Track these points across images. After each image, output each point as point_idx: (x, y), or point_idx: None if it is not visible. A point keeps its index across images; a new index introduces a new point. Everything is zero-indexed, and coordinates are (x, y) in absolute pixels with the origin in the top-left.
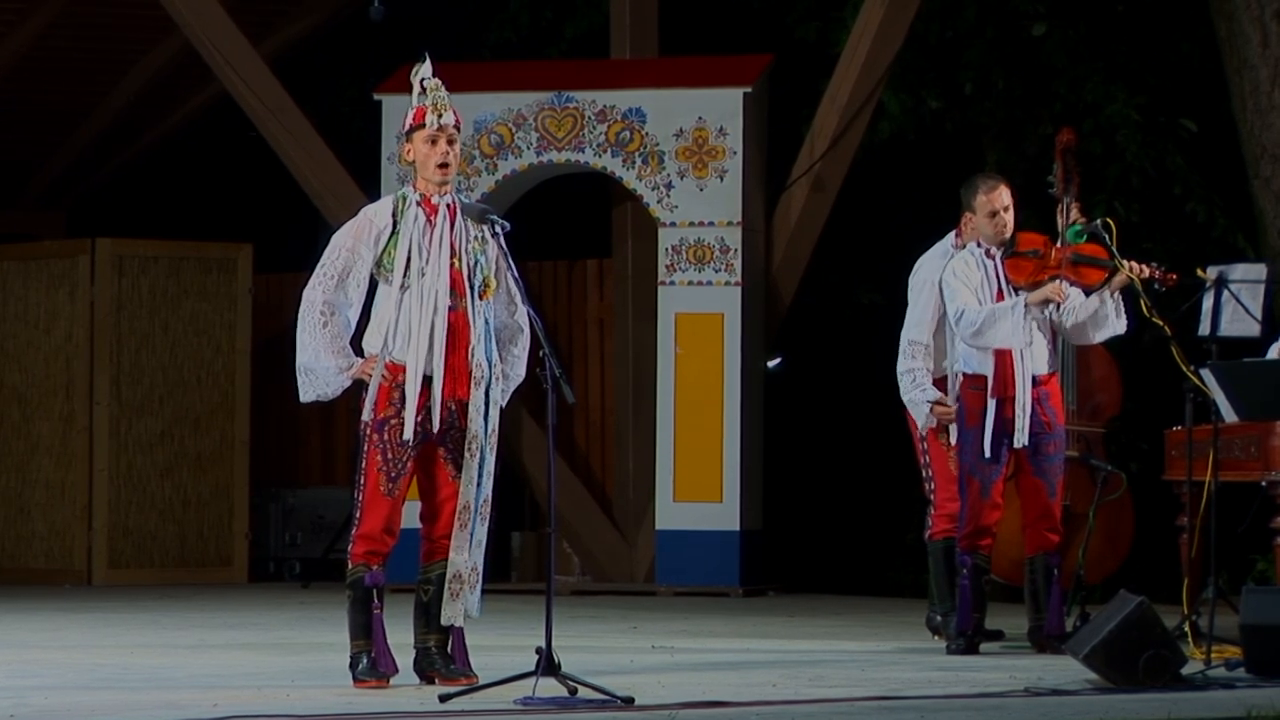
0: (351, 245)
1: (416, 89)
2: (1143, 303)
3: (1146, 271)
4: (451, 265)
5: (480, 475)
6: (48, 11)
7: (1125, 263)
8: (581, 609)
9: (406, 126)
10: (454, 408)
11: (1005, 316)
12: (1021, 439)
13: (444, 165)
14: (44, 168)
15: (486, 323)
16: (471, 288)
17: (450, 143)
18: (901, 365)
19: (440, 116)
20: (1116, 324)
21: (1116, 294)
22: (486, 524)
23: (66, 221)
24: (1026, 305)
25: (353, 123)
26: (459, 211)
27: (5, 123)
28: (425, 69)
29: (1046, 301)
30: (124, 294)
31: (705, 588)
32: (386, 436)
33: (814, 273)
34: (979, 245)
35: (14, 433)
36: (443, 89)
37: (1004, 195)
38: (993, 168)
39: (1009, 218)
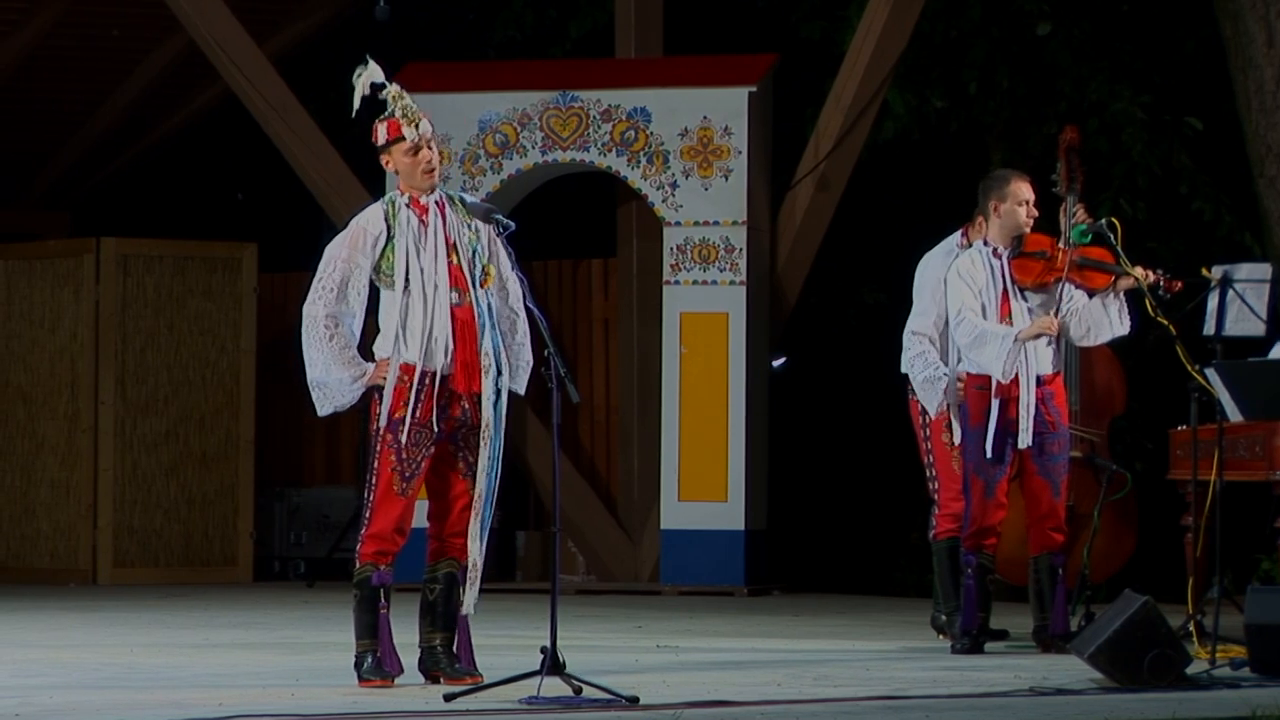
0: (347, 255)
1: (361, 92)
2: (1148, 302)
3: (1151, 277)
4: (451, 260)
5: (491, 463)
6: (53, 10)
7: (1131, 268)
8: (586, 608)
9: (382, 140)
10: (467, 404)
11: (994, 342)
12: (1025, 439)
13: (429, 172)
14: (48, 166)
15: (490, 310)
16: (473, 279)
17: (430, 147)
18: (910, 353)
19: (416, 127)
20: (1119, 327)
21: (1120, 297)
22: (492, 509)
23: (71, 220)
24: (1017, 339)
25: (357, 122)
26: (447, 204)
27: (10, 121)
28: (374, 73)
29: (1038, 336)
30: (129, 293)
31: (710, 587)
32: (402, 437)
33: (819, 272)
34: (986, 244)
35: (19, 432)
36: (407, 96)
37: (1030, 188)
38: (997, 167)
39: (1034, 211)
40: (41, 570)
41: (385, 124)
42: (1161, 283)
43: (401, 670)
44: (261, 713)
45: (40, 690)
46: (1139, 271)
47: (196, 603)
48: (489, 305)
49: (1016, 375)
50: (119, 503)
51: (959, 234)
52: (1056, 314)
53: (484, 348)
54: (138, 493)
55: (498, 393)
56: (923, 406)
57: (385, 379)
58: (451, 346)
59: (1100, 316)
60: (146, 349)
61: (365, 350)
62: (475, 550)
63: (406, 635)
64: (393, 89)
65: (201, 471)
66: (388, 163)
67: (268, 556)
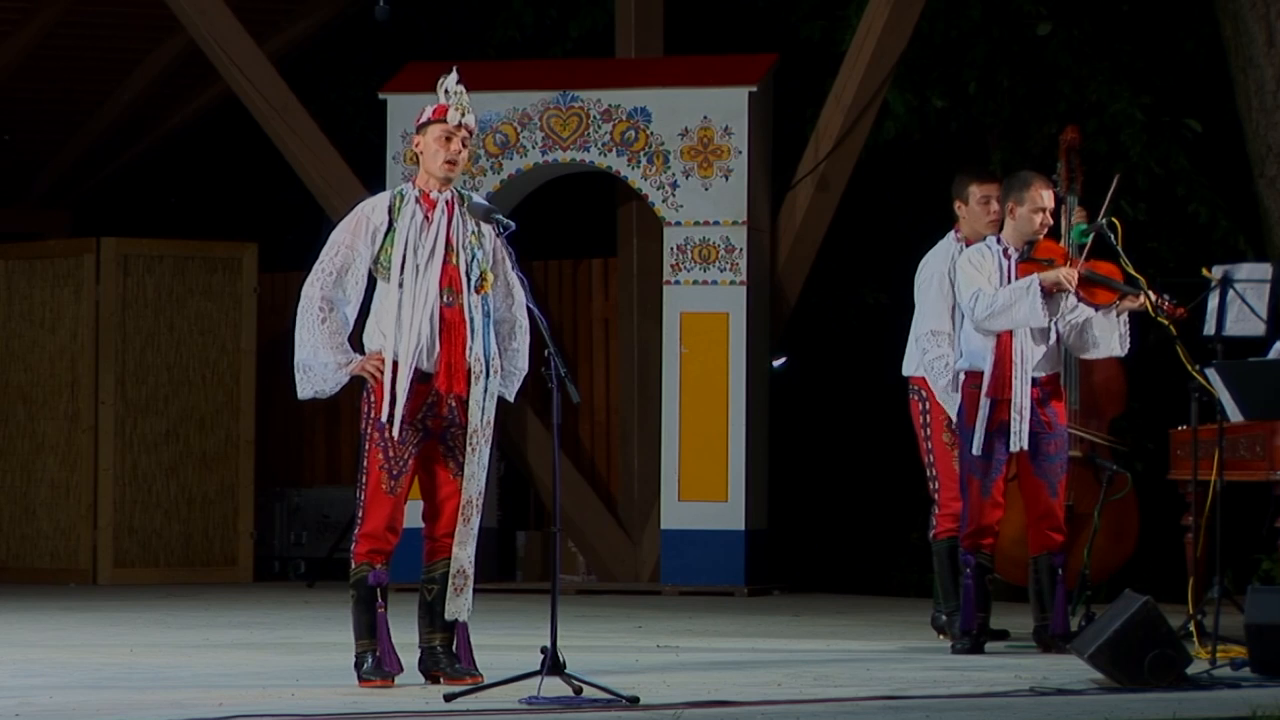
0: (349, 242)
1: (440, 94)
2: (1148, 304)
3: (1154, 297)
4: (448, 261)
5: (478, 469)
6: (54, 9)
7: (1142, 285)
8: (586, 608)
9: (424, 119)
10: (453, 404)
11: (1022, 297)
12: (1018, 442)
13: (452, 163)
14: (49, 166)
15: (486, 316)
16: (467, 281)
17: (463, 144)
18: (928, 354)
19: (462, 115)
20: (1118, 347)
21: (1124, 317)
22: (481, 517)
23: (71, 220)
24: (1042, 286)
25: (357, 122)
26: (457, 207)
27: (11, 120)
28: (450, 78)
29: (1058, 285)
30: (129, 293)
31: (710, 587)
32: (387, 435)
33: (819, 272)
34: (999, 242)
35: (19, 432)
36: (466, 94)
37: (1050, 195)
38: (997, 167)
39: (1049, 220)
40: (42, 570)
41: (433, 106)
42: (1165, 307)
43: (401, 670)
44: (262, 713)
45: (40, 690)
46: (1146, 292)
47: (196, 603)
48: (486, 312)
49: (1010, 376)
50: (119, 503)
51: (953, 232)
52: (1059, 323)
53: (473, 352)
54: (138, 493)
55: (486, 398)
56: (923, 405)
57: (371, 372)
58: (437, 347)
59: (1103, 334)
60: (146, 349)
61: (357, 339)
62: (463, 557)
63: (406, 635)
64: (450, 81)
65: (202, 471)
66: (417, 144)
67: (268, 556)
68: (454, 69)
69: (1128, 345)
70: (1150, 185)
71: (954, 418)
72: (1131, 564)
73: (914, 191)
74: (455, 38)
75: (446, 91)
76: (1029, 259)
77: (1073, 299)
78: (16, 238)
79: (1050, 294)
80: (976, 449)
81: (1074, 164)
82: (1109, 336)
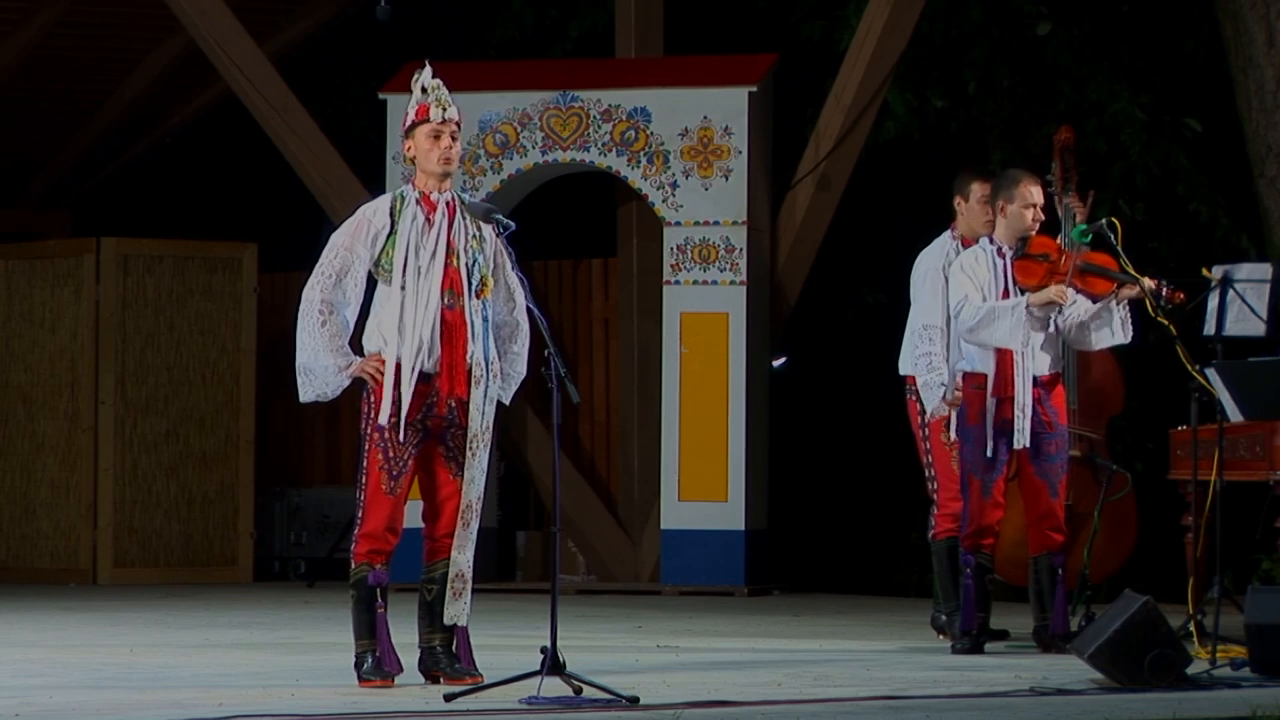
0: (349, 245)
1: (417, 92)
2: (1148, 302)
3: (1153, 286)
4: (449, 264)
5: (478, 474)
6: (54, 9)
7: (1138, 275)
8: (586, 608)
9: (409, 122)
10: (454, 405)
11: (1005, 316)
12: (1021, 440)
13: (446, 159)
14: (49, 165)
15: (485, 321)
16: (469, 285)
17: (453, 138)
18: (919, 350)
19: (445, 111)
20: (1120, 336)
21: (1124, 305)
22: (480, 520)
23: (71, 220)
24: (1028, 306)
25: (357, 122)
26: (458, 209)
27: (11, 120)
28: (425, 74)
29: (1049, 304)
30: (129, 293)
31: (710, 587)
32: (388, 435)
33: (819, 272)
34: (991, 242)
35: (19, 432)
36: (444, 88)
37: (1040, 191)
38: (997, 167)
39: (1041, 215)
40: (42, 570)
41: (415, 107)
42: (1164, 292)
43: (401, 670)
44: (262, 713)
45: (40, 690)
46: (1144, 281)
47: (196, 603)
48: (485, 316)
49: (1013, 374)
50: (119, 503)
51: (949, 230)
52: (1058, 316)
53: (473, 355)
54: (138, 493)
55: (486, 402)
56: (921, 406)
57: (371, 373)
58: (438, 349)
59: (1102, 324)
60: (146, 349)
61: (357, 341)
62: (462, 561)
63: (406, 635)
64: (425, 77)
65: (202, 471)
66: (409, 148)
67: (268, 556)
68: (426, 63)
69: (1130, 332)
70: (1150, 185)
71: (929, 412)
72: (1131, 564)
73: (914, 191)
74: (455, 38)
75: (424, 89)
76: (1024, 255)
77: (1071, 293)
78: (16, 238)
79: (1041, 308)
80: (987, 450)
81: (1069, 163)
82: (1110, 326)
